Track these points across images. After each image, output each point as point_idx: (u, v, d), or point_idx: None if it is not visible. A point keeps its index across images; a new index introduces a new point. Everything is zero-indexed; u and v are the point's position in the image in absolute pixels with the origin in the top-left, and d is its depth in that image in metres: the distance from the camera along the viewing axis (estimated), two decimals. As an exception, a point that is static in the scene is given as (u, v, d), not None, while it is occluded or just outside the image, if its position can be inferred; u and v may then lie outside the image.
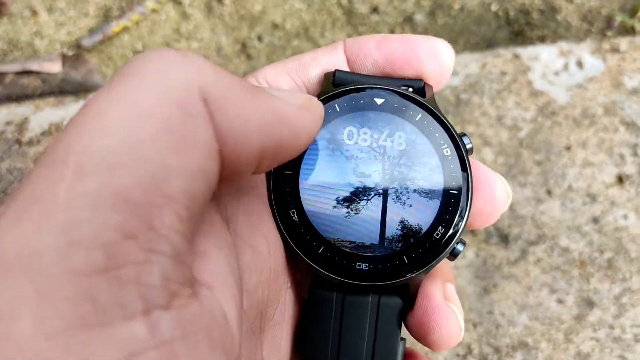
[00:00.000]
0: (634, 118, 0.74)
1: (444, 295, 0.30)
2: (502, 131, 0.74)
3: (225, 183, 0.24)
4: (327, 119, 0.31)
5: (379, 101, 0.31)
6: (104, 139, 0.18)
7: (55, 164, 0.18)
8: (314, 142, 0.31)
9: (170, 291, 0.18)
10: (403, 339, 0.32)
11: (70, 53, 0.89)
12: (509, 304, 0.67)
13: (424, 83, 0.32)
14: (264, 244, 0.29)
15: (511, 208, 0.70)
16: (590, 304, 0.67)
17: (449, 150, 0.30)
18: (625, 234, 0.69)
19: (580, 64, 0.77)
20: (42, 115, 0.77)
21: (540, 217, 0.70)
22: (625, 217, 0.70)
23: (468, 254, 0.69)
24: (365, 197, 0.30)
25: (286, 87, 0.32)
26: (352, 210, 0.30)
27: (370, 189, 0.30)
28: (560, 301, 0.67)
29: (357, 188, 0.30)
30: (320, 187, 0.31)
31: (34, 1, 0.92)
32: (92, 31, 0.91)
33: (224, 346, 0.20)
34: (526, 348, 0.65)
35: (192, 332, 0.18)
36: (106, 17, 0.92)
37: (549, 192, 0.71)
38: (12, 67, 0.87)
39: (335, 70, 0.32)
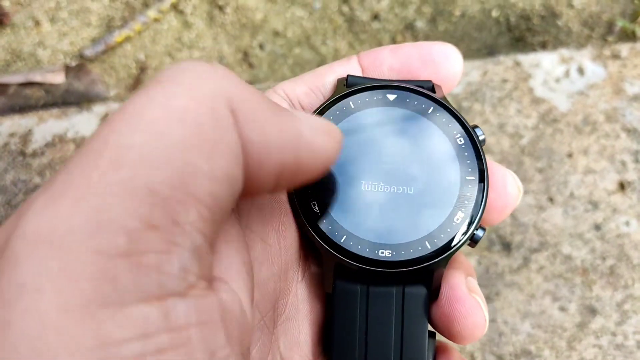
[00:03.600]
0: (635, 124, 0.74)
1: (468, 287, 0.31)
2: (504, 139, 0.74)
3: (244, 199, 0.25)
4: (343, 115, 0.32)
5: (391, 97, 0.33)
6: (140, 136, 0.19)
7: (92, 154, 0.19)
8: None
9: (187, 282, 0.19)
10: (434, 333, 0.32)
11: (73, 63, 0.90)
12: (511, 312, 0.67)
13: (433, 83, 0.34)
14: (275, 237, 0.30)
15: (513, 216, 0.70)
16: (592, 311, 0.67)
17: (462, 139, 0.32)
18: (627, 241, 0.69)
19: (581, 71, 0.77)
20: (46, 127, 0.77)
21: (543, 224, 0.70)
22: (627, 223, 0.70)
23: (470, 262, 0.69)
24: (384, 186, 0.31)
25: (303, 95, 0.33)
26: (372, 198, 0.31)
27: (389, 178, 0.32)
28: (562, 309, 0.67)
29: (377, 177, 0.32)
30: (340, 178, 0.32)
31: (36, 11, 0.93)
32: (94, 41, 0.92)
33: (241, 337, 0.21)
34: (529, 356, 0.65)
35: (208, 320, 0.19)
36: (108, 27, 0.92)
37: (550, 200, 0.71)
38: (15, 78, 0.87)
39: (348, 75, 0.33)
